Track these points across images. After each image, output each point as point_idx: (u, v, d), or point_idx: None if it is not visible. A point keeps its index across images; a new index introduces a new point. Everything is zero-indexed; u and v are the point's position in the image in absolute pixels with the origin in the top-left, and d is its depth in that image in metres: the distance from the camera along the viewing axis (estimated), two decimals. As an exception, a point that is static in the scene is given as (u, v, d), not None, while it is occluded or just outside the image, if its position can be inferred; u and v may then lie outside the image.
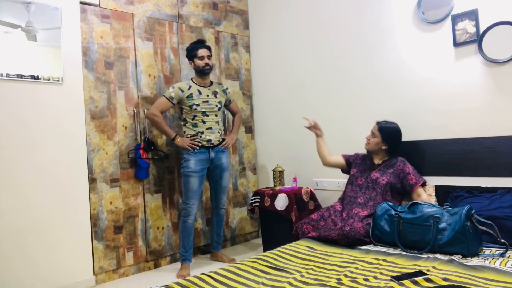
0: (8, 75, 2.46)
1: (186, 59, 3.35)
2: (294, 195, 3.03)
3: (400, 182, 2.49)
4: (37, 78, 2.57)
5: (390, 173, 2.50)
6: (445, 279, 1.55)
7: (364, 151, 2.91)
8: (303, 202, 3.07)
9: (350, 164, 2.76)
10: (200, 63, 2.94)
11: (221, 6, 3.67)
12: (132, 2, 3.06)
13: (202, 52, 2.95)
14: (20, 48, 2.53)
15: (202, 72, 2.97)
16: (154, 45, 3.16)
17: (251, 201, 3.30)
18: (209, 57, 2.98)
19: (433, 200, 2.48)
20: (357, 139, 2.99)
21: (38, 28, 2.59)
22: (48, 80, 2.62)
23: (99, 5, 2.88)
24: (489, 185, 2.37)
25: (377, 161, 2.64)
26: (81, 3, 2.79)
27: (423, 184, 2.49)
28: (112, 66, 2.92)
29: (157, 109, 2.90)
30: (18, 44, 2.52)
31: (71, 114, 2.71)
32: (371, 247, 2.13)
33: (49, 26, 2.64)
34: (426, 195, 2.44)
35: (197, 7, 3.48)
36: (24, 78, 2.52)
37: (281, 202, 3.02)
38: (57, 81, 2.66)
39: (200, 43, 3.02)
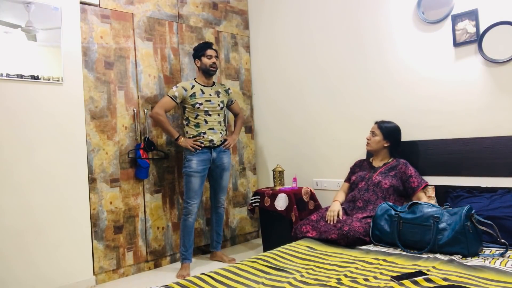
0: (8, 75, 2.46)
1: (186, 60, 3.36)
2: (294, 195, 3.03)
3: (402, 185, 2.48)
4: (37, 78, 2.57)
5: (392, 176, 2.49)
6: (445, 279, 1.55)
7: (360, 156, 2.91)
8: (303, 202, 3.07)
9: (351, 179, 2.73)
10: (207, 61, 2.99)
11: (221, 6, 3.67)
12: (132, 2, 3.06)
13: (211, 52, 3.01)
14: (20, 48, 2.53)
15: (208, 72, 3.02)
16: (154, 45, 3.16)
17: (251, 201, 3.30)
18: (216, 57, 3.05)
19: (433, 202, 2.48)
20: (356, 139, 3.00)
21: (38, 28, 2.59)
22: (48, 80, 2.62)
23: (99, 5, 2.88)
24: (489, 185, 2.37)
25: (377, 163, 2.63)
26: (81, 3, 2.79)
27: (425, 187, 2.48)
28: (112, 66, 2.92)
29: (161, 108, 2.91)
30: (18, 44, 2.52)
31: (71, 114, 2.71)
32: (371, 247, 2.13)
33: (49, 26, 2.64)
34: (426, 199, 2.43)
35: (197, 7, 3.48)
36: (24, 78, 2.52)
37: (281, 202, 3.02)
38: (57, 81, 2.66)
39: (209, 44, 3.08)
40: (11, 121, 2.48)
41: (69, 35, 2.72)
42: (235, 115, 3.32)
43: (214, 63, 3.00)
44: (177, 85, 2.98)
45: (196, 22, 3.47)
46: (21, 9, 2.53)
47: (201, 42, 3.22)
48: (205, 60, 2.99)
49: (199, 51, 3.02)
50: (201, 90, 2.99)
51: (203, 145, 2.94)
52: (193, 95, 2.95)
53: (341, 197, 2.66)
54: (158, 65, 3.18)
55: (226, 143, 3.09)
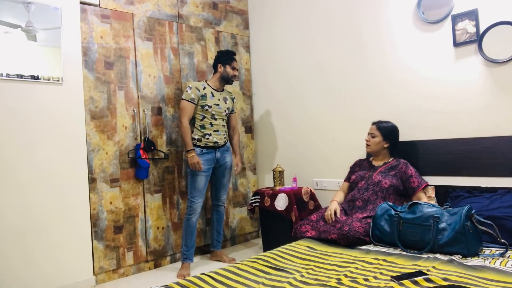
0: (8, 75, 2.46)
1: (186, 60, 3.35)
2: (294, 195, 3.03)
3: (402, 185, 2.48)
4: (37, 78, 2.57)
5: (392, 176, 2.49)
6: (445, 279, 1.55)
7: (360, 156, 2.91)
8: (303, 202, 3.07)
9: (351, 178, 2.73)
10: (231, 72, 3.06)
11: (221, 6, 3.67)
12: (132, 2, 3.06)
13: (236, 64, 3.10)
14: (20, 48, 2.53)
15: (227, 80, 3.09)
16: (154, 45, 3.16)
17: (251, 201, 3.30)
18: (238, 71, 3.15)
19: (433, 202, 2.48)
20: (356, 139, 3.00)
21: (38, 28, 2.59)
22: (48, 80, 2.62)
23: (99, 5, 2.88)
24: (489, 185, 2.37)
25: (377, 163, 2.63)
26: (81, 3, 2.79)
27: (425, 187, 2.48)
28: (112, 66, 2.92)
29: (186, 117, 2.93)
30: (18, 44, 2.52)
31: (71, 114, 2.71)
32: (371, 247, 2.13)
33: (49, 26, 2.64)
34: (426, 199, 2.43)
35: (197, 7, 3.48)
36: (24, 78, 2.52)
37: (281, 202, 3.02)
38: (57, 81, 2.66)
39: (235, 54, 3.14)
40: (11, 121, 2.48)
41: (69, 35, 2.72)
42: (231, 128, 3.27)
43: (236, 75, 3.09)
44: (189, 86, 2.98)
45: (196, 22, 3.47)
46: (21, 9, 2.53)
47: (226, 49, 3.35)
48: (229, 69, 3.05)
49: (226, 58, 3.06)
50: (212, 93, 3.03)
51: (202, 168, 2.93)
52: (204, 96, 2.98)
53: (340, 197, 2.66)
54: (158, 65, 3.18)
55: (235, 169, 3.25)
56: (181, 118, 2.95)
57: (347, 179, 2.76)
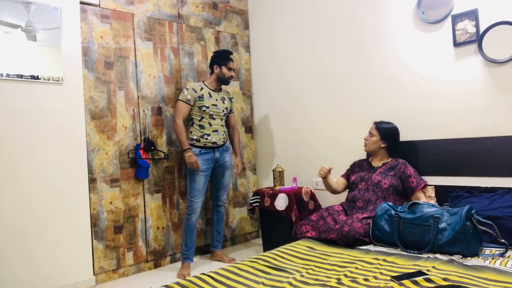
0: (8, 75, 2.46)
1: (186, 60, 3.35)
2: (294, 195, 3.03)
3: (401, 185, 2.49)
4: (37, 78, 2.57)
5: (391, 176, 2.49)
6: (445, 279, 1.55)
7: (360, 157, 2.91)
8: (303, 202, 3.07)
9: (349, 177, 2.74)
10: (227, 73, 3.05)
11: (221, 6, 3.67)
12: (132, 2, 3.06)
13: (232, 64, 3.08)
14: (20, 48, 2.53)
15: (224, 81, 3.09)
16: (154, 45, 3.16)
17: (251, 201, 3.30)
18: (234, 70, 3.13)
19: (432, 202, 2.48)
20: (356, 139, 3.00)
21: (38, 28, 2.59)
22: (48, 80, 2.62)
23: (99, 5, 2.88)
24: (489, 185, 2.37)
25: (376, 163, 2.63)
26: (81, 3, 2.79)
27: (424, 186, 2.48)
28: (112, 66, 2.92)
29: (180, 117, 2.95)
30: (18, 44, 2.52)
31: (71, 114, 2.71)
32: (371, 247, 2.13)
33: (49, 26, 2.64)
34: (425, 199, 2.44)
35: (197, 7, 3.48)
36: (24, 78, 2.52)
37: (281, 202, 3.02)
38: (57, 81, 2.66)
39: (231, 53, 3.13)
40: (11, 121, 2.48)
41: (69, 35, 2.72)
42: (231, 127, 3.29)
43: (232, 76, 3.08)
44: (187, 87, 3.00)
45: (196, 22, 3.47)
46: (21, 9, 2.53)
47: (222, 49, 3.34)
48: (225, 70, 3.04)
49: (222, 59, 3.05)
50: (209, 93, 3.03)
51: (200, 168, 2.95)
52: (201, 97, 2.99)
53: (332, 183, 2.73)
54: (158, 65, 3.18)
55: (235, 170, 3.28)
56: (176, 118, 2.96)
57: (345, 176, 2.76)
